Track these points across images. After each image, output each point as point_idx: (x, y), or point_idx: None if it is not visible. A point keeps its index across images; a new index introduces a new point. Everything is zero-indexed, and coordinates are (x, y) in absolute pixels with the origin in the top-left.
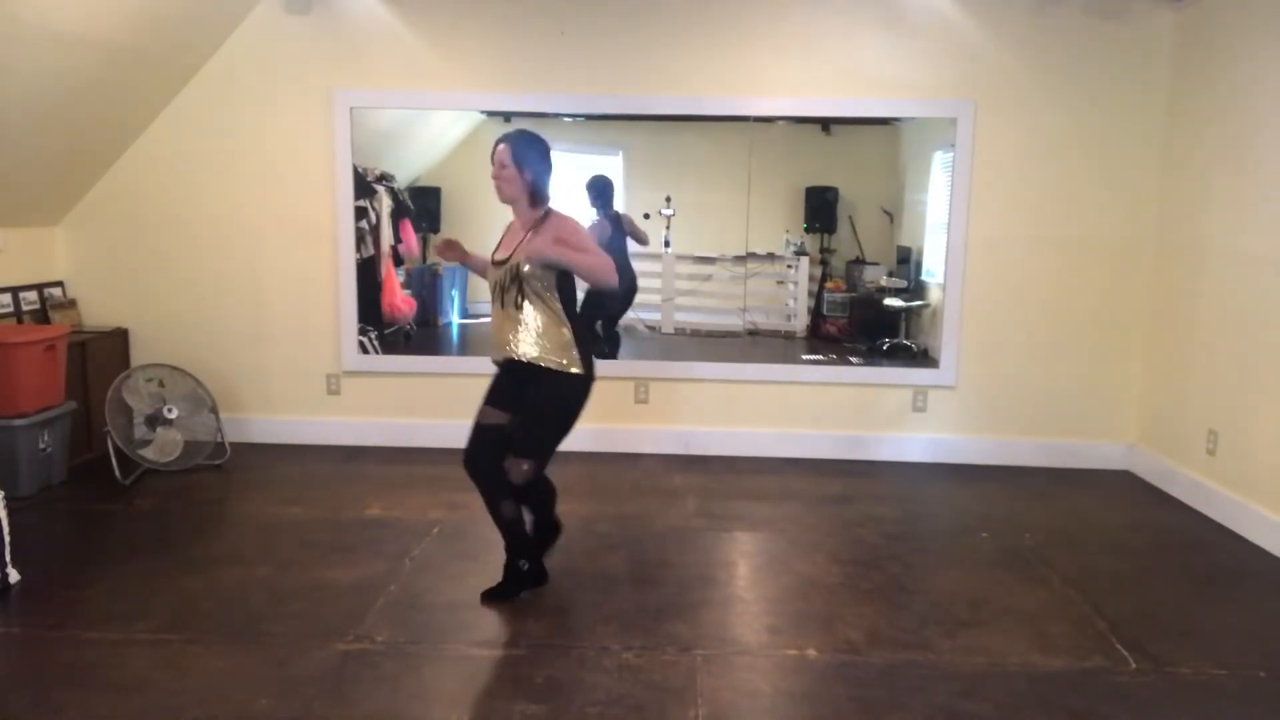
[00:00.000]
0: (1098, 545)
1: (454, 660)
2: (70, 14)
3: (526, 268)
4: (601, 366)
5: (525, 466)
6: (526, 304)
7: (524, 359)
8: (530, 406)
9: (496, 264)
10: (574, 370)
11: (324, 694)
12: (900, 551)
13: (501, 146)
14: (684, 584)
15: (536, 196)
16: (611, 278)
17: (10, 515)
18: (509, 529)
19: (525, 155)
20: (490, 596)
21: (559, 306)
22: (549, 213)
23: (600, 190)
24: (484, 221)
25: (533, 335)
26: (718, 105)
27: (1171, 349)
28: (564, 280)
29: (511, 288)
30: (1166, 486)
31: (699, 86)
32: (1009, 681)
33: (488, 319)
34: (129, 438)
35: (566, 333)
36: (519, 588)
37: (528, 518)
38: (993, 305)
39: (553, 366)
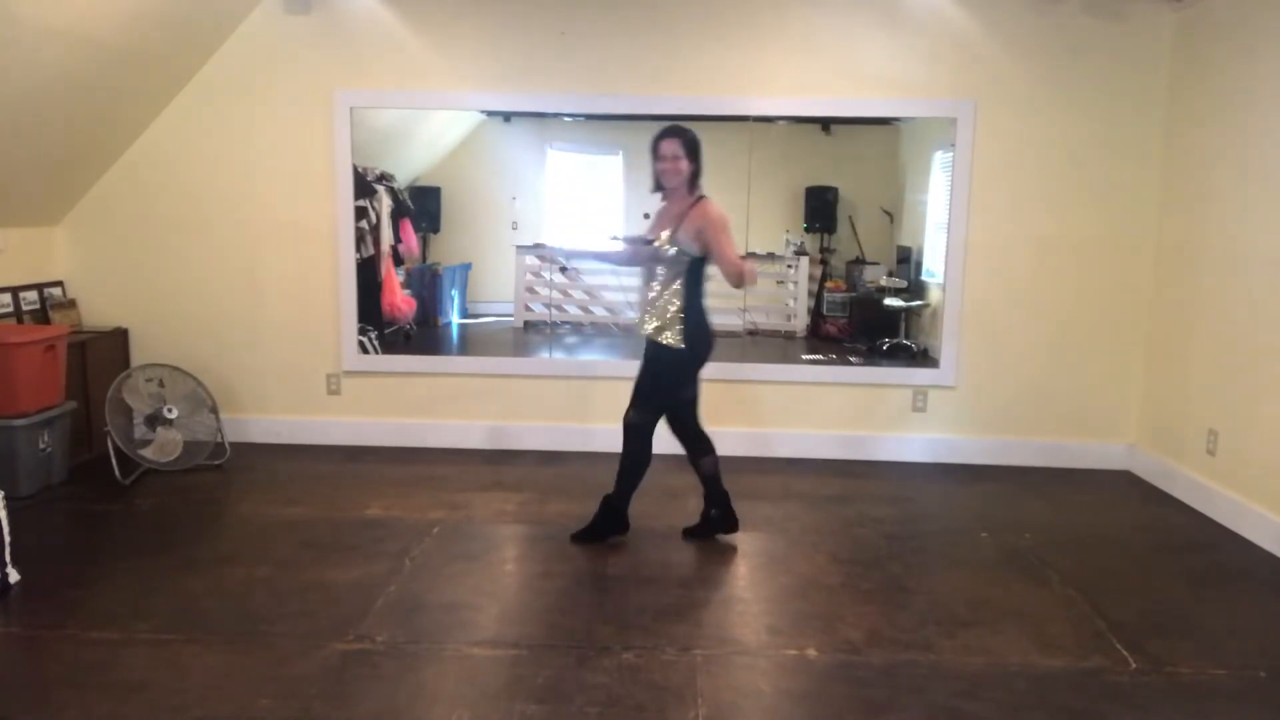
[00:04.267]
0: (1098, 545)
1: (454, 660)
2: (70, 14)
3: (670, 250)
4: (600, 366)
5: (629, 410)
6: (658, 282)
7: (643, 331)
8: (643, 363)
9: (648, 243)
10: (669, 343)
11: (324, 694)
12: (900, 551)
13: (669, 140)
14: (684, 584)
15: (696, 184)
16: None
17: (10, 515)
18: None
19: (695, 150)
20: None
21: (680, 285)
22: (702, 199)
23: None
24: (484, 221)
25: (655, 311)
26: (718, 105)
27: (1171, 349)
28: (695, 264)
29: (650, 268)
30: (1166, 486)
31: (699, 86)
32: (1009, 681)
33: (487, 319)
34: (129, 438)
35: (674, 308)
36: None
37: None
38: (993, 305)
39: (659, 339)
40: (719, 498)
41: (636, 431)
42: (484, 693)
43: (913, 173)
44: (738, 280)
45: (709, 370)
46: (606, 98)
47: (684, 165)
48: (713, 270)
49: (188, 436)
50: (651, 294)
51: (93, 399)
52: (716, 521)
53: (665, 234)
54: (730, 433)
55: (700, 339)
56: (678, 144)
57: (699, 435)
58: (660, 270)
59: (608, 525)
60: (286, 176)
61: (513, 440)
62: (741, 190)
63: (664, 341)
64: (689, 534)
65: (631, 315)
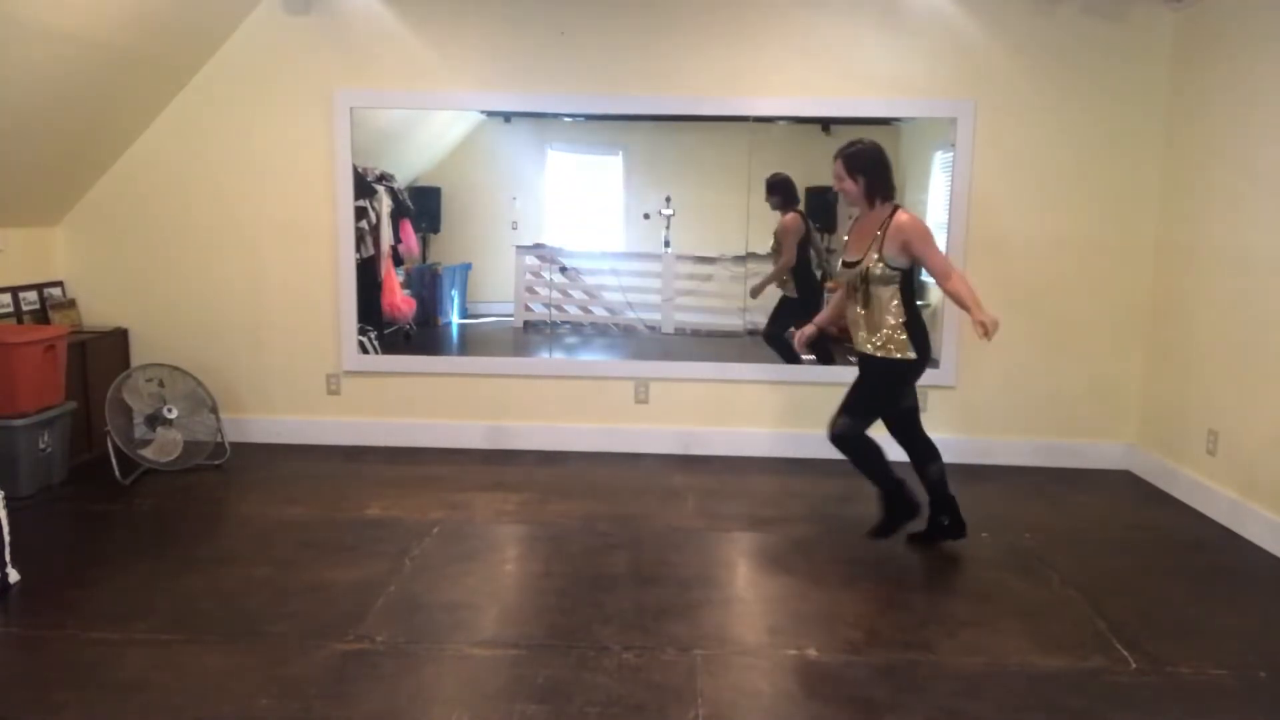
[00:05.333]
0: (1098, 545)
1: (454, 660)
2: (70, 14)
3: (877, 269)
4: (600, 366)
5: (840, 420)
6: (872, 299)
7: (864, 349)
8: (859, 376)
9: (848, 265)
10: (897, 356)
11: (324, 694)
12: (900, 551)
13: (835, 162)
14: (684, 584)
15: (875, 197)
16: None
17: (10, 515)
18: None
19: (858, 164)
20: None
21: (897, 298)
22: (895, 210)
23: (785, 188)
24: (484, 221)
25: (873, 326)
26: (718, 105)
27: (1171, 349)
28: (906, 276)
29: (862, 286)
30: (1166, 486)
31: (699, 86)
32: (1009, 681)
33: (487, 319)
34: (129, 438)
35: (895, 321)
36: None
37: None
38: (992, 305)
39: (884, 355)
40: (947, 503)
41: (848, 442)
42: (484, 693)
43: (913, 173)
44: (955, 285)
45: (710, 370)
46: (606, 98)
47: (850, 185)
48: (708, 271)
49: (188, 436)
50: (864, 311)
51: (93, 399)
52: (947, 528)
53: (874, 255)
54: (730, 433)
55: (925, 347)
56: (839, 165)
57: (926, 441)
58: (873, 288)
59: (899, 513)
60: (286, 177)
61: (512, 440)
62: (741, 190)
63: (891, 356)
64: (915, 540)
65: (631, 315)
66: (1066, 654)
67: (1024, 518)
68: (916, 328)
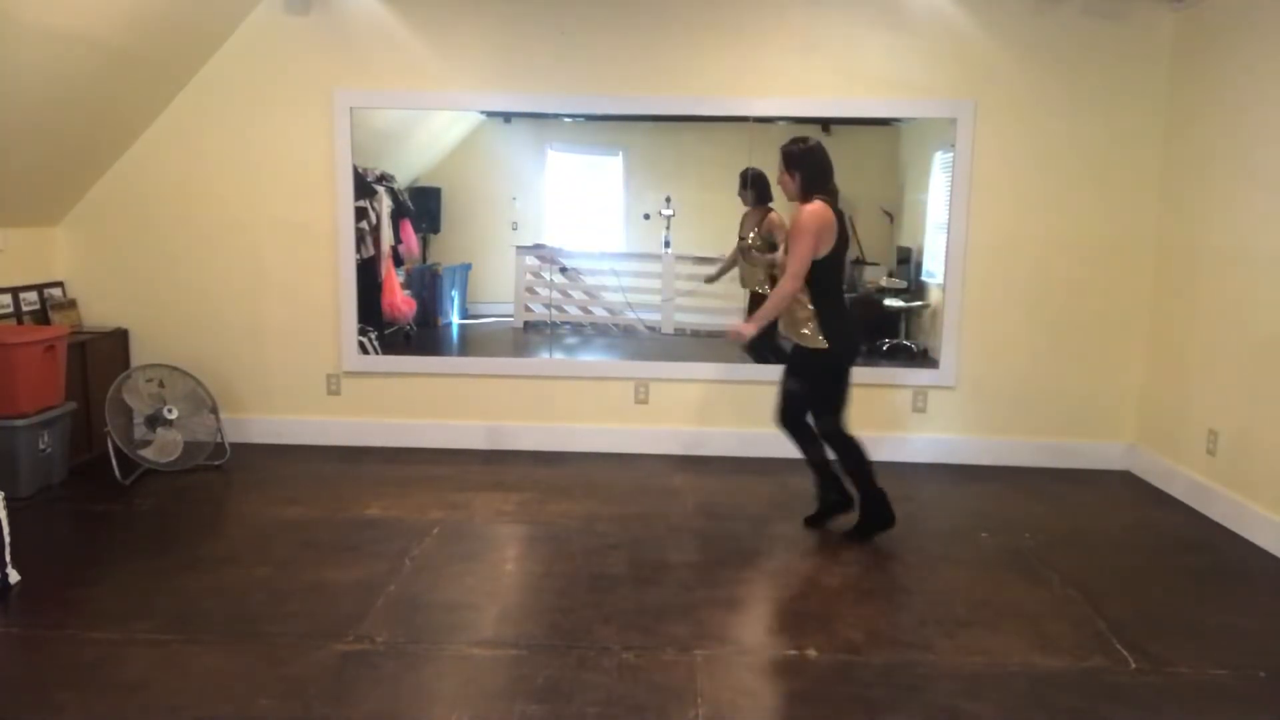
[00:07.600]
0: (1098, 545)
1: (454, 660)
2: (70, 14)
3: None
4: (601, 366)
5: (817, 424)
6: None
7: (785, 334)
8: (800, 376)
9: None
10: (809, 344)
11: (324, 694)
12: (900, 551)
13: (781, 157)
14: (684, 584)
15: (811, 194)
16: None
17: (10, 515)
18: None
19: (792, 161)
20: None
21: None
22: (803, 205)
23: (761, 183)
24: (484, 221)
25: (788, 312)
26: (718, 105)
27: (1171, 349)
28: (820, 269)
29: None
30: (1166, 486)
31: (699, 86)
32: (1009, 681)
33: (487, 319)
34: (129, 438)
35: (806, 312)
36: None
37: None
38: (993, 305)
39: (797, 340)
40: (833, 481)
41: (834, 437)
42: (484, 693)
43: (913, 173)
44: (778, 288)
45: (710, 370)
46: (606, 98)
47: (786, 179)
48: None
49: (188, 437)
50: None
51: (93, 399)
52: (836, 504)
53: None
54: (729, 433)
55: (839, 336)
56: (781, 159)
57: (808, 427)
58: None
59: (876, 518)
60: (287, 177)
61: (512, 440)
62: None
63: (803, 343)
64: (810, 522)
65: (630, 315)
66: (1066, 654)
67: (1024, 518)
68: (829, 318)
